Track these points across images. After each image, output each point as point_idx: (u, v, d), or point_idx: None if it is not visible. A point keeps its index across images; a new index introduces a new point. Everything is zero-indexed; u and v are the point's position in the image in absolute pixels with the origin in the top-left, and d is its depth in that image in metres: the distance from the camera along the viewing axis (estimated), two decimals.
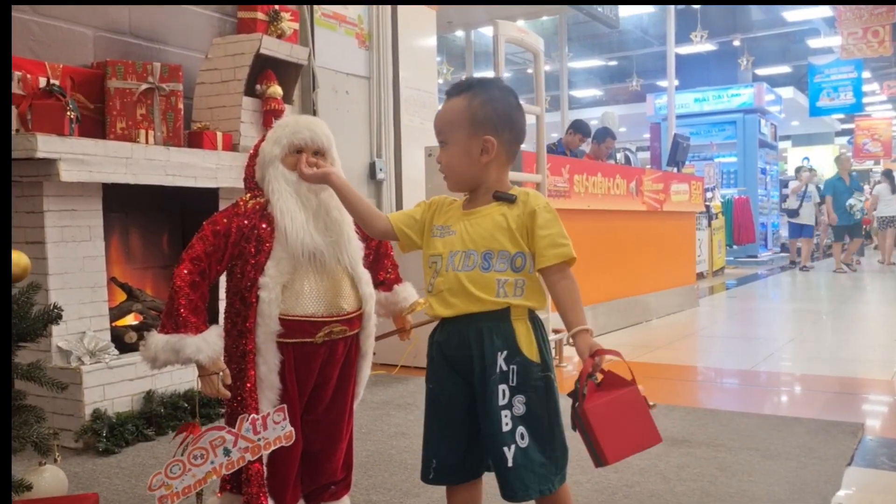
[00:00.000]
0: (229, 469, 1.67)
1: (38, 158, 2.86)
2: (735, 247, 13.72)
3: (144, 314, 3.60)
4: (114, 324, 3.45)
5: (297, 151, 1.84)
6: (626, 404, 1.56)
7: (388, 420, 3.29)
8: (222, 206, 3.78)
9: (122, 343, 3.36)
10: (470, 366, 1.64)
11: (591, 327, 1.62)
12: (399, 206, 5.47)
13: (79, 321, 3.19)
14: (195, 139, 3.53)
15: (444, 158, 1.72)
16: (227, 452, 1.67)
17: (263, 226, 1.80)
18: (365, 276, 1.89)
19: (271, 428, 1.70)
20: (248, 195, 1.88)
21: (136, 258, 3.79)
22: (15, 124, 2.98)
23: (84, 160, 3.00)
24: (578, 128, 7.47)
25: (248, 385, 1.76)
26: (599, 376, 1.59)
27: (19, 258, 1.54)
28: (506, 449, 1.60)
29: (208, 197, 3.65)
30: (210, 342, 1.73)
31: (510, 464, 1.60)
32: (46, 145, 2.87)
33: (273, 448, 1.70)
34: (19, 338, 1.54)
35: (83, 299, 3.21)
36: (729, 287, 10.35)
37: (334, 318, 1.81)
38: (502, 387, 1.61)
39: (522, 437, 1.60)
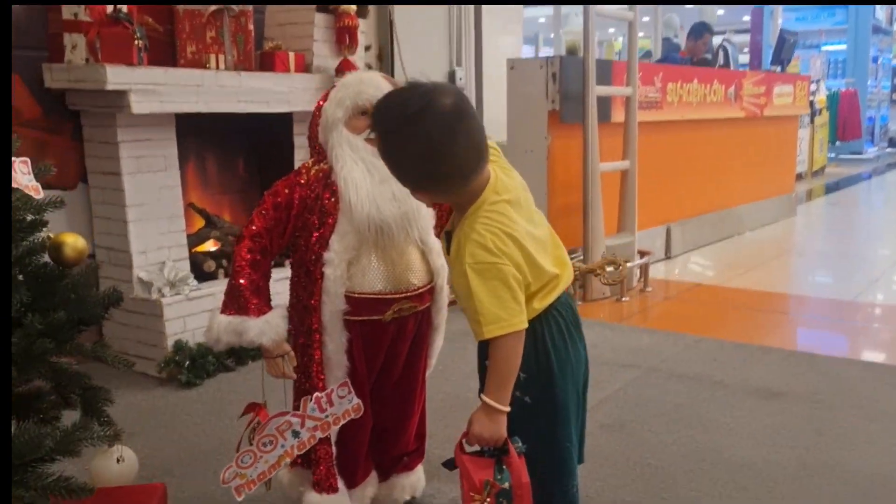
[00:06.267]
0: (301, 449, 1.62)
1: (108, 91, 2.80)
2: (838, 143, 12.89)
3: (222, 240, 3.59)
4: (193, 250, 3.45)
5: (361, 113, 1.68)
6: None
7: (465, 355, 3.21)
8: (296, 129, 3.68)
9: (201, 271, 3.37)
10: None
11: (503, 409, 1.40)
12: (479, 110, 5.24)
13: (158, 251, 3.19)
14: (267, 61, 3.39)
15: None
16: (296, 434, 1.62)
17: (327, 196, 1.67)
18: (436, 247, 1.74)
19: (337, 403, 1.62)
20: (311, 160, 1.74)
21: (213, 183, 3.74)
22: (84, 53, 2.90)
23: (155, 90, 2.91)
24: (701, 31, 6.89)
25: (316, 362, 1.69)
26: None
27: (76, 241, 1.46)
28: None
29: (283, 120, 3.54)
30: (273, 324, 1.64)
31: None
32: (116, 77, 2.79)
33: (343, 422, 1.63)
34: (81, 322, 1.48)
35: (161, 229, 3.19)
36: (829, 190, 9.79)
37: (403, 295, 1.69)
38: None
39: None
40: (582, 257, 4.26)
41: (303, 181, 1.70)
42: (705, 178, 5.79)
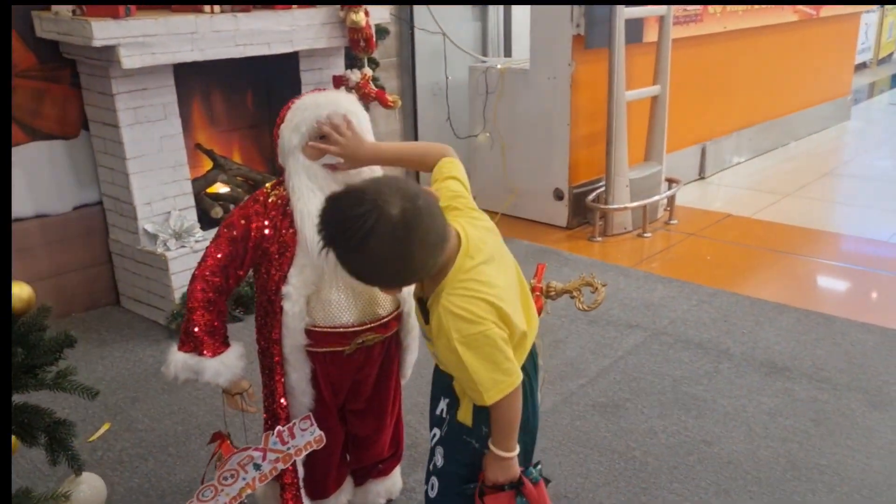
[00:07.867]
0: (262, 481, 1.64)
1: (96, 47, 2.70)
2: None
3: (231, 182, 3.55)
4: (203, 192, 3.43)
5: (320, 137, 1.57)
6: None
7: None
8: (303, 65, 3.53)
9: (208, 217, 3.35)
10: None
11: (511, 455, 1.44)
12: (507, 29, 4.96)
13: (163, 202, 3.17)
14: None
15: None
16: (257, 467, 1.63)
17: (286, 226, 1.60)
18: None
19: (299, 436, 1.63)
20: (271, 184, 1.66)
21: (221, 121, 3.66)
22: (72, 6, 2.79)
23: (145, 42, 2.80)
24: None
25: (280, 389, 1.68)
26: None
27: (21, 290, 1.44)
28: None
29: (289, 54, 3.38)
30: (228, 365, 1.63)
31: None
32: (102, 32, 2.68)
33: (305, 453, 1.64)
34: (34, 367, 1.48)
35: (165, 179, 3.16)
36: (895, 84, 9.19)
37: (367, 327, 1.64)
38: (434, 430, 1.56)
39: (433, 488, 1.56)
40: (604, 189, 4.12)
41: (260, 210, 1.62)
42: (747, 90, 5.46)
